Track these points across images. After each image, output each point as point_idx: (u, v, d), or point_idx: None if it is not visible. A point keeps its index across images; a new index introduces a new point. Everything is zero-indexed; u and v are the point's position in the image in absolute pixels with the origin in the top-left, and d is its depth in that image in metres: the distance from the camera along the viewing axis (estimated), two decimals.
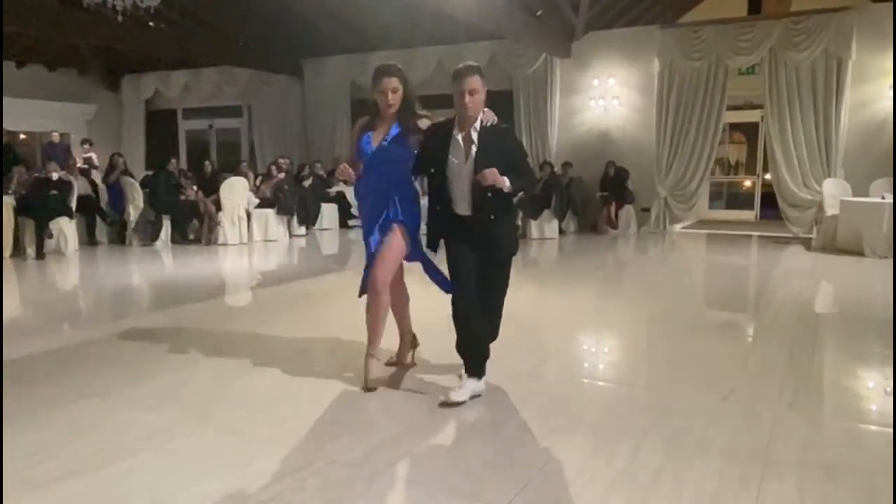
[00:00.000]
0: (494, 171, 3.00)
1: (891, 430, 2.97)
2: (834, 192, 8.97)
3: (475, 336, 3.23)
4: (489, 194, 3.08)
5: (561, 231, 10.52)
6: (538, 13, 10.28)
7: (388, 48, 12.31)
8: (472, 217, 3.18)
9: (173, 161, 10.13)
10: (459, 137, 3.16)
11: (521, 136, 11.79)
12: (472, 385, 3.22)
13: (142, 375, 3.65)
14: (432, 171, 3.22)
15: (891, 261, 7.73)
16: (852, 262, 7.80)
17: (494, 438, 2.84)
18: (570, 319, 5.24)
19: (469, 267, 3.18)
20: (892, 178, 8.83)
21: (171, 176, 10.00)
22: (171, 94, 15.18)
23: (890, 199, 8.07)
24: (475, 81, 3.09)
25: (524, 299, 5.97)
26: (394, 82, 3.28)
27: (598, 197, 10.99)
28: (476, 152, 3.12)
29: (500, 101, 12.31)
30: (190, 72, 14.65)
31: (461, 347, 3.28)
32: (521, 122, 11.80)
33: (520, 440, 2.82)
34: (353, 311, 5.53)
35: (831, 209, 8.76)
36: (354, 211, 11.66)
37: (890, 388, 3.69)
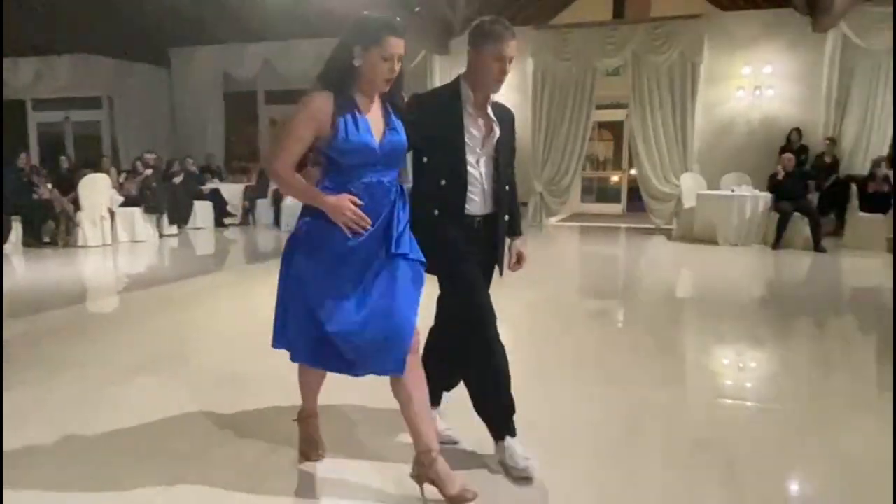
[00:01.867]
0: None
1: (747, 404, 3.28)
2: (691, 185, 9.73)
3: (505, 373, 2.45)
4: (507, 187, 2.53)
5: None
6: (416, 9, 10.34)
7: (266, 39, 11.92)
8: (488, 217, 2.49)
9: (23, 156, 9.24)
10: (476, 115, 2.43)
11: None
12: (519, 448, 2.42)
13: None
14: (436, 160, 2.39)
15: (741, 248, 8.52)
16: (708, 250, 8.50)
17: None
18: None
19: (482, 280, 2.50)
20: (743, 174, 9.73)
21: (21, 172, 9.09)
22: (19, 84, 13.77)
23: (739, 193, 8.89)
24: (515, 48, 2.36)
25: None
26: (402, 46, 2.20)
27: None
28: (499, 135, 2.46)
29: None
30: (41, 59, 13.37)
31: (492, 398, 2.46)
32: None
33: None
34: (229, 313, 5.33)
35: (688, 201, 9.50)
36: (230, 208, 11.21)
37: (743, 364, 4.06)
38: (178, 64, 13.00)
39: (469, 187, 2.41)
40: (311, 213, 2.24)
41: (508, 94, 11.27)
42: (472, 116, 2.42)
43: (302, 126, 2.18)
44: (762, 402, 3.33)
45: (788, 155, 8.91)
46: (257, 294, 6.10)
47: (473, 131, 2.42)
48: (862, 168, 9.27)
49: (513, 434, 2.44)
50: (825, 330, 4.96)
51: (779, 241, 8.42)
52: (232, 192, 11.45)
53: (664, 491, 2.34)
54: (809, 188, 8.82)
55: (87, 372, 3.64)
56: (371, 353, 2.16)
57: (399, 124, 2.28)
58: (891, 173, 8.44)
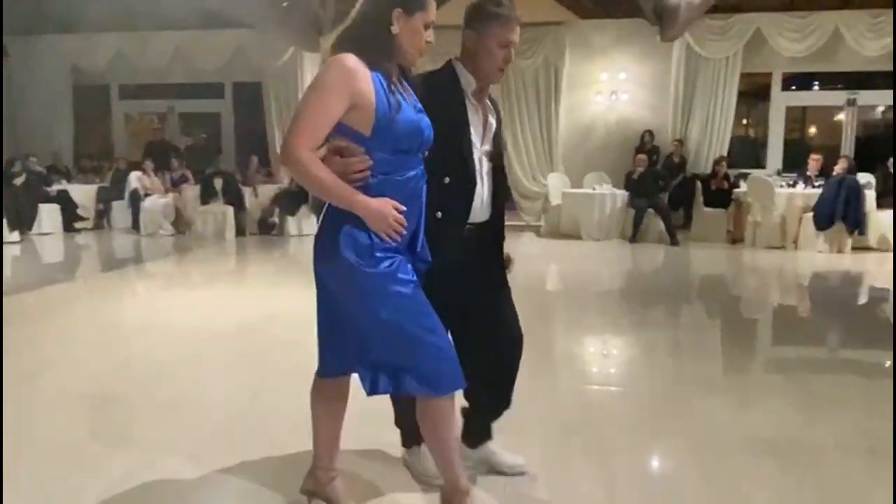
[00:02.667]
0: None
1: (612, 389, 3.50)
2: (556, 184, 10.24)
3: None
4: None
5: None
6: (284, 4, 10.05)
7: (118, 30, 11.09)
8: (483, 224, 2.20)
9: None
10: (476, 106, 2.16)
11: (274, 129, 11.48)
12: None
13: None
14: (438, 154, 1.97)
15: (603, 242, 9.09)
16: (573, 244, 8.99)
17: (268, 444, 2.73)
18: None
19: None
20: (602, 173, 10.36)
21: None
22: None
23: (599, 191, 9.48)
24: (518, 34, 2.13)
25: (287, 298, 5.83)
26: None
27: None
28: (495, 130, 2.22)
29: (249, 92, 11.85)
30: None
31: (504, 400, 2.43)
32: (273, 115, 11.47)
33: (287, 442, 2.74)
34: (88, 322, 4.92)
35: (555, 200, 10.00)
36: (81, 212, 10.31)
37: (607, 352, 4.34)
38: (17, 54, 11.76)
39: (474, 192, 2.11)
40: (342, 217, 1.80)
41: None
42: (473, 107, 2.14)
43: (334, 93, 1.69)
44: (625, 386, 3.58)
45: (642, 156, 9.65)
46: (116, 305, 5.67)
47: (475, 124, 2.14)
48: (705, 167, 10.18)
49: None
50: (678, 317, 5.42)
51: (635, 236, 9.08)
52: (83, 193, 10.53)
53: (542, 473, 2.44)
54: (661, 186, 9.57)
55: None
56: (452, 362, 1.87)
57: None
58: (731, 172, 9.38)
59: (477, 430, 2.44)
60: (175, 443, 2.72)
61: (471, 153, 2.10)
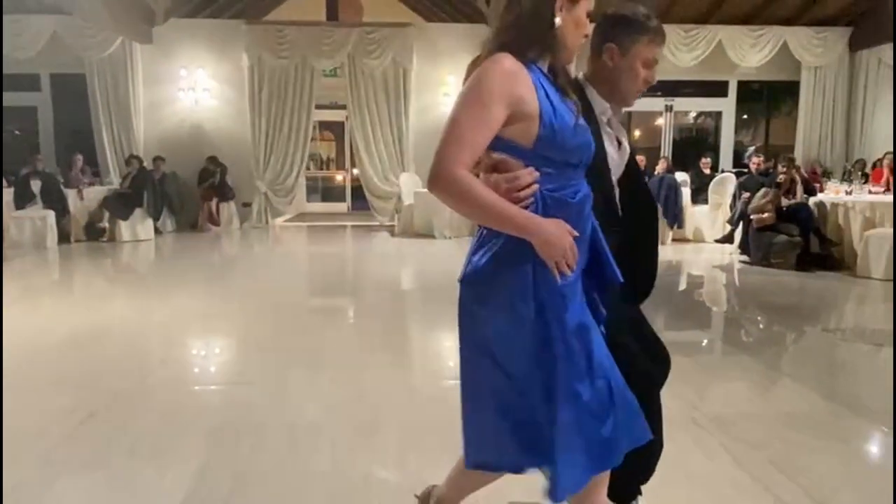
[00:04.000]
0: None
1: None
2: (409, 184, 10.35)
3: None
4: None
5: (157, 231, 9.75)
6: None
7: None
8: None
9: None
10: (612, 135, 1.81)
11: (100, 126, 10.53)
12: None
13: None
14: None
15: (455, 240, 9.32)
16: (426, 243, 9.13)
17: (96, 473, 2.48)
18: (176, 325, 4.90)
19: None
20: None
21: None
22: None
23: None
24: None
25: (120, 309, 5.37)
26: None
27: (199, 193, 10.52)
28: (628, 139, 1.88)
29: (70, 85, 10.76)
30: None
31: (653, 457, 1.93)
32: (99, 110, 10.51)
33: (128, 467, 2.52)
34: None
35: (408, 199, 10.09)
36: None
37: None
38: None
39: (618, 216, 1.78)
40: (502, 245, 1.49)
41: (221, 88, 10.74)
42: (609, 137, 1.78)
43: (494, 101, 1.41)
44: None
45: None
46: None
47: (612, 155, 1.78)
48: None
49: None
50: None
51: None
52: None
53: (403, 471, 2.44)
54: None
55: None
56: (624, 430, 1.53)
57: None
58: None
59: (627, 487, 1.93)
60: None
61: (612, 191, 1.77)
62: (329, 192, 14.96)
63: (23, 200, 8.70)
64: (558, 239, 1.42)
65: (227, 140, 10.83)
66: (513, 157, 1.47)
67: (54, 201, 8.83)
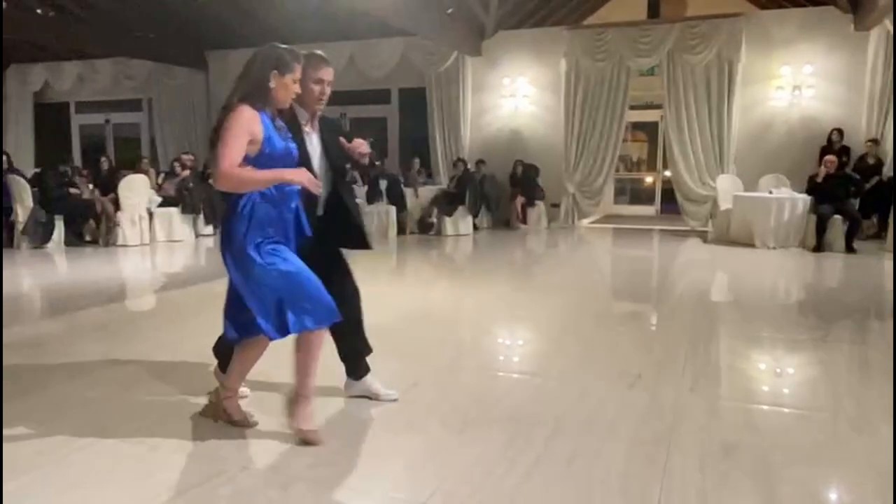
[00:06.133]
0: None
1: (784, 410, 3.20)
2: (727, 187, 9.56)
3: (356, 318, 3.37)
4: None
5: (475, 227, 10.66)
6: (449, 11, 10.36)
7: (298, 42, 11.99)
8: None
9: (67, 158, 9.51)
10: (305, 120, 2.95)
11: (434, 132, 11.87)
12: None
13: (33, 386, 3.40)
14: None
15: (779, 250, 8.34)
16: (744, 252, 8.33)
17: (412, 434, 2.84)
18: (486, 314, 5.32)
19: None
20: (781, 175, 9.52)
21: (63, 173, 9.36)
22: (63, 87, 14.24)
23: (777, 195, 8.69)
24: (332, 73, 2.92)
25: (441, 295, 6.01)
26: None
27: (509, 193, 11.22)
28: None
29: (413, 98, 12.36)
30: (84, 63, 13.79)
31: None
32: (434, 119, 11.86)
33: (438, 435, 2.83)
34: None
35: (725, 203, 9.33)
36: None
37: (780, 369, 3.97)
38: (214, 66, 13.24)
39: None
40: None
41: (539, 94, 11.25)
42: (308, 135, 2.91)
43: (242, 133, 2.59)
44: (799, 408, 3.26)
45: (831, 157, 8.64)
46: None
47: (315, 147, 2.96)
48: None
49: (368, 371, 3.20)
50: (865, 335, 4.82)
51: (820, 245, 8.20)
52: None
53: (697, 494, 2.30)
54: (852, 191, 8.56)
55: (123, 370, 3.73)
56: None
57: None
58: None
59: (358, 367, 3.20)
60: (335, 430, 2.91)
61: (313, 171, 2.80)
62: (637, 195, 14.59)
63: (373, 197, 10.31)
64: (303, 174, 2.60)
65: (541, 143, 11.31)
66: (249, 162, 2.56)
67: (396, 198, 10.28)
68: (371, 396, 3.17)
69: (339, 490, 2.38)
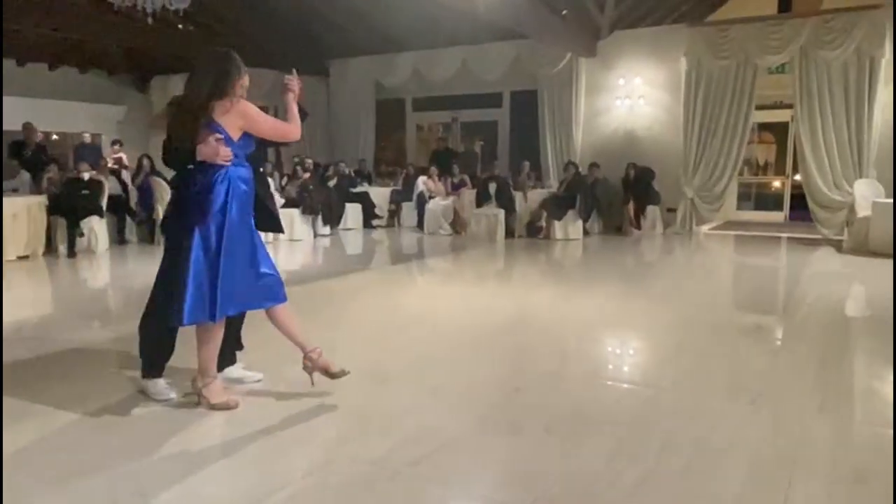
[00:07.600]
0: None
1: None
2: (866, 193, 8.78)
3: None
4: None
5: (585, 232, 10.45)
6: (563, 12, 10.23)
7: (413, 48, 12.38)
8: None
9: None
10: None
11: (545, 135, 11.77)
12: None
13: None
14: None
15: None
16: (885, 264, 7.60)
17: (516, 439, 2.83)
18: (594, 320, 5.20)
19: None
20: None
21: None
22: None
23: None
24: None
25: (547, 300, 5.95)
26: None
27: (622, 198, 10.90)
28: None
29: (524, 100, 12.31)
30: None
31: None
32: (546, 121, 11.75)
33: (542, 441, 2.80)
34: (376, 308, 5.59)
35: (863, 210, 8.57)
36: (378, 211, 11.75)
37: None
38: (335, 74, 13.83)
39: None
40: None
41: (656, 94, 10.85)
42: None
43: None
44: None
45: None
46: (400, 294, 6.34)
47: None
48: None
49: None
50: None
51: None
52: (380, 195, 11.99)
53: None
54: None
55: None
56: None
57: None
58: None
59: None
60: (436, 430, 2.95)
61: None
62: (763, 200, 13.71)
63: (482, 200, 10.37)
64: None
65: (658, 145, 10.90)
66: (235, 146, 3.25)
67: (505, 201, 10.28)
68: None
69: (439, 487, 2.42)
